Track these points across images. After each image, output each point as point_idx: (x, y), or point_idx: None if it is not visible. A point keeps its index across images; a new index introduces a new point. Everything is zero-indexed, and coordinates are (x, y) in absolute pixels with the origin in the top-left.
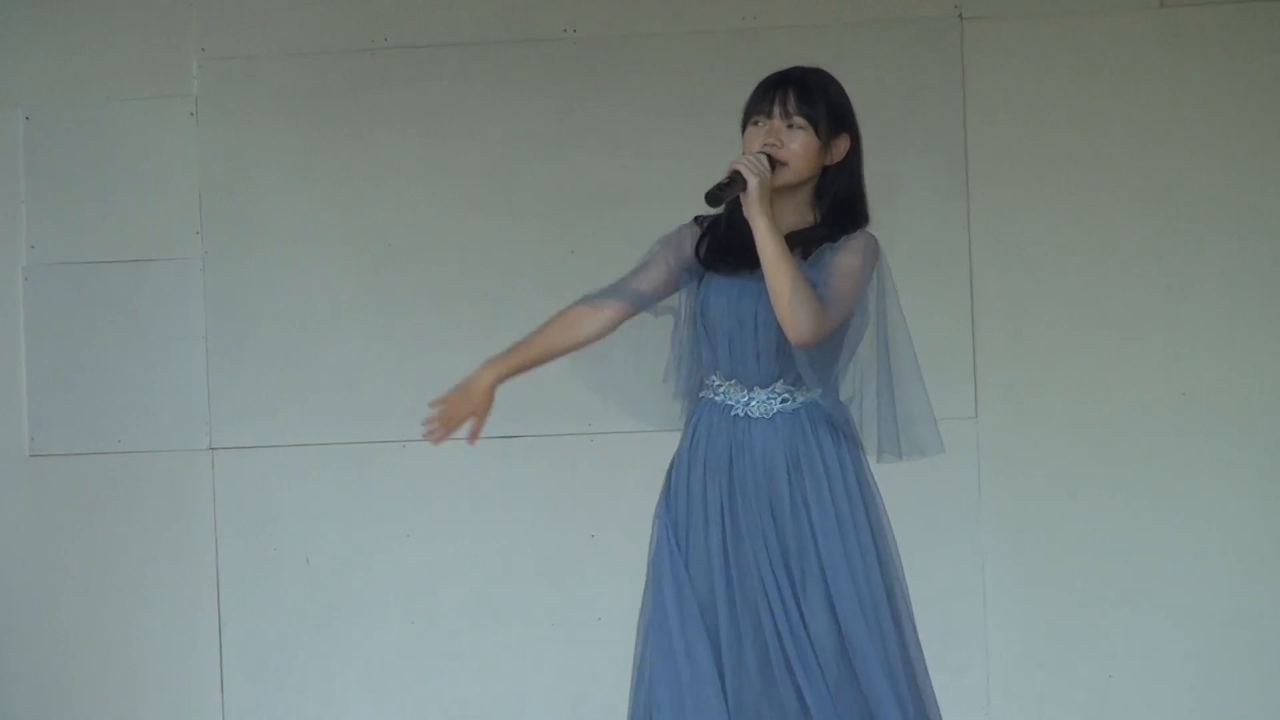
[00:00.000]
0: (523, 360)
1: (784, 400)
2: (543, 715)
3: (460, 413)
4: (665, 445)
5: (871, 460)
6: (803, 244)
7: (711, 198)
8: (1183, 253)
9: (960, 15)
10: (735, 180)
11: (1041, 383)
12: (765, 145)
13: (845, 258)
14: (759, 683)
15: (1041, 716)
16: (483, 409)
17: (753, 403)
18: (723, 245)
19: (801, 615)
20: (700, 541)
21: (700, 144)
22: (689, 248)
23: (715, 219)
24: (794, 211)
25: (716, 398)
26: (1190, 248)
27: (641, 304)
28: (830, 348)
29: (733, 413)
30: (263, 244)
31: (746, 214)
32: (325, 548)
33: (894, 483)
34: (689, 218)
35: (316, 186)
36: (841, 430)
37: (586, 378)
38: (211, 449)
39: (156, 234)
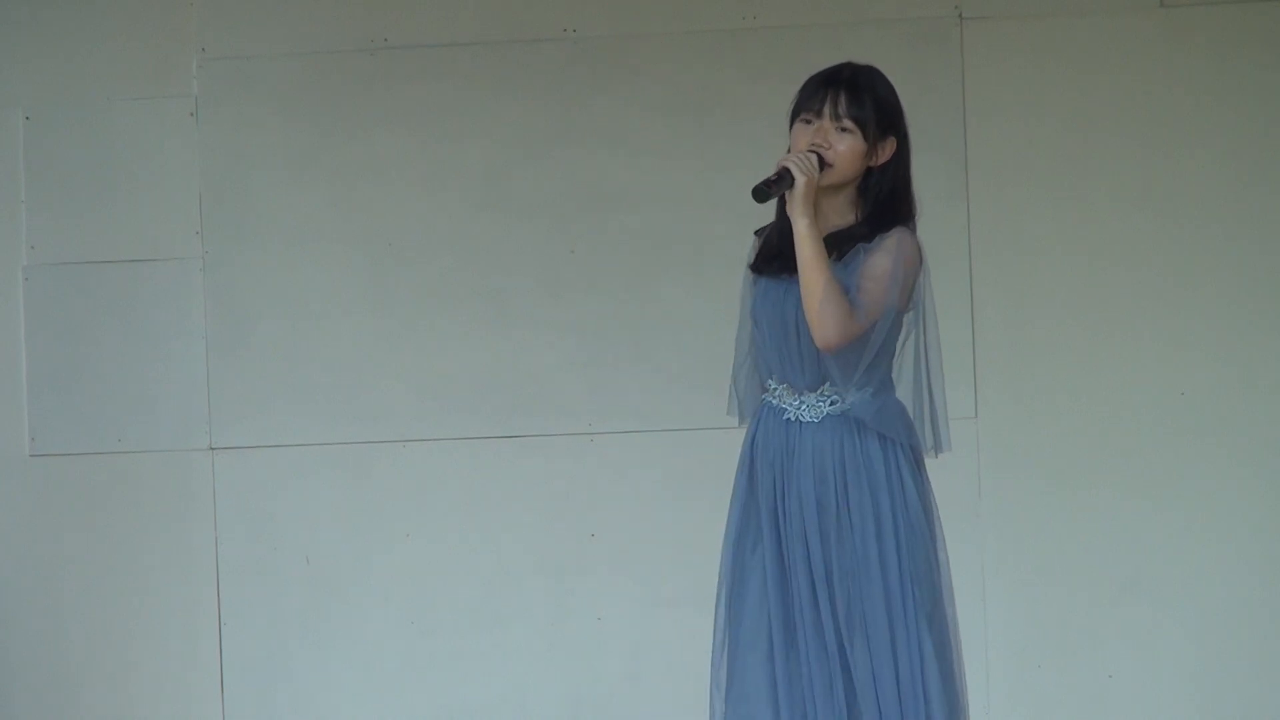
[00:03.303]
0: None
1: (833, 403)
2: (543, 715)
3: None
4: (665, 445)
5: None
6: (841, 245)
7: (758, 193)
8: (1182, 253)
9: (960, 15)
10: (784, 177)
11: (1041, 383)
12: (813, 145)
13: (877, 259)
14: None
15: (1041, 716)
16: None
17: (803, 407)
18: (770, 250)
19: (836, 621)
20: (754, 546)
21: (700, 144)
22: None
23: (769, 228)
24: (835, 211)
25: (773, 401)
26: (1190, 248)
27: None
28: (855, 347)
29: (785, 416)
30: (263, 244)
31: (789, 212)
32: (325, 548)
33: None
34: (688, 218)
35: (316, 186)
36: (887, 432)
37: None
38: (211, 449)
39: (156, 234)
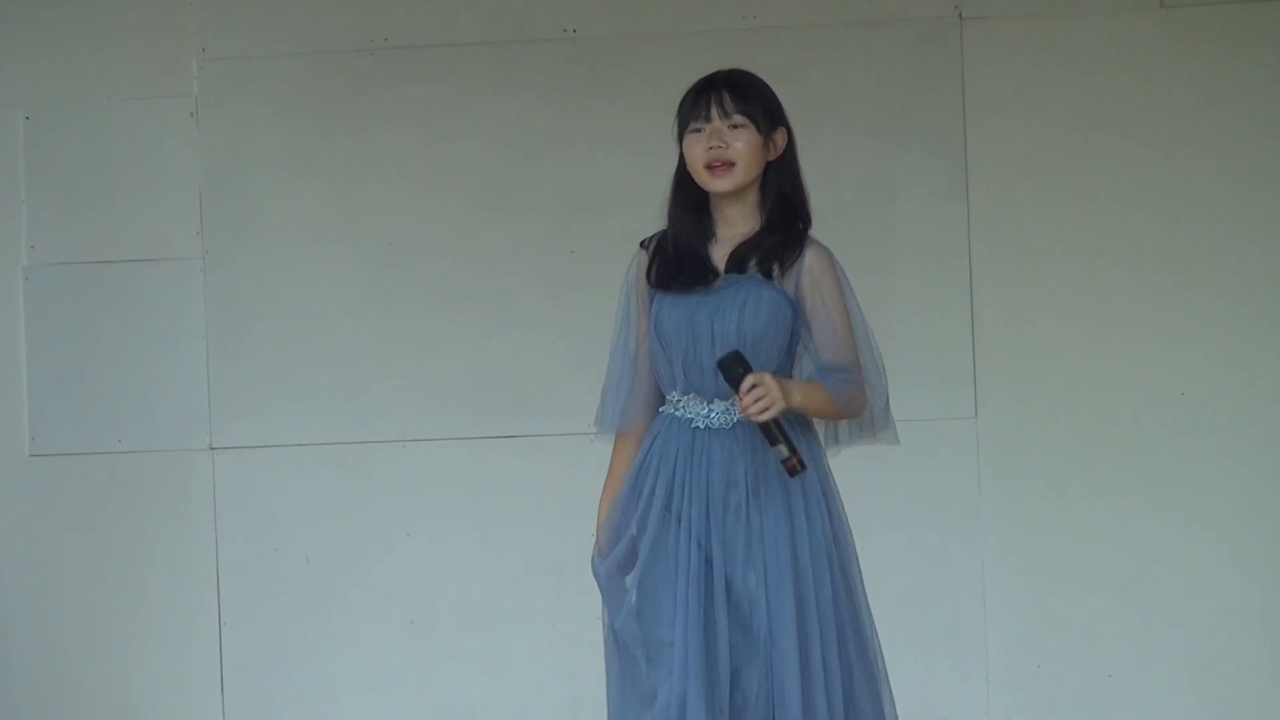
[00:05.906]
0: (613, 494)
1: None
2: (543, 715)
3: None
4: None
5: (843, 452)
6: (753, 254)
7: (792, 472)
8: (1182, 252)
9: (960, 15)
10: (796, 459)
11: (1041, 383)
12: (711, 149)
13: (828, 300)
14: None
15: (1041, 716)
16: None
17: (713, 414)
18: (673, 266)
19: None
20: (654, 542)
21: None
22: (644, 281)
23: (661, 238)
24: (741, 218)
25: (676, 412)
26: (1190, 247)
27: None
28: (783, 360)
29: (693, 425)
30: (263, 244)
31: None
32: (325, 547)
33: (894, 482)
34: None
35: (316, 186)
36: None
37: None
38: (211, 449)
39: (156, 234)
